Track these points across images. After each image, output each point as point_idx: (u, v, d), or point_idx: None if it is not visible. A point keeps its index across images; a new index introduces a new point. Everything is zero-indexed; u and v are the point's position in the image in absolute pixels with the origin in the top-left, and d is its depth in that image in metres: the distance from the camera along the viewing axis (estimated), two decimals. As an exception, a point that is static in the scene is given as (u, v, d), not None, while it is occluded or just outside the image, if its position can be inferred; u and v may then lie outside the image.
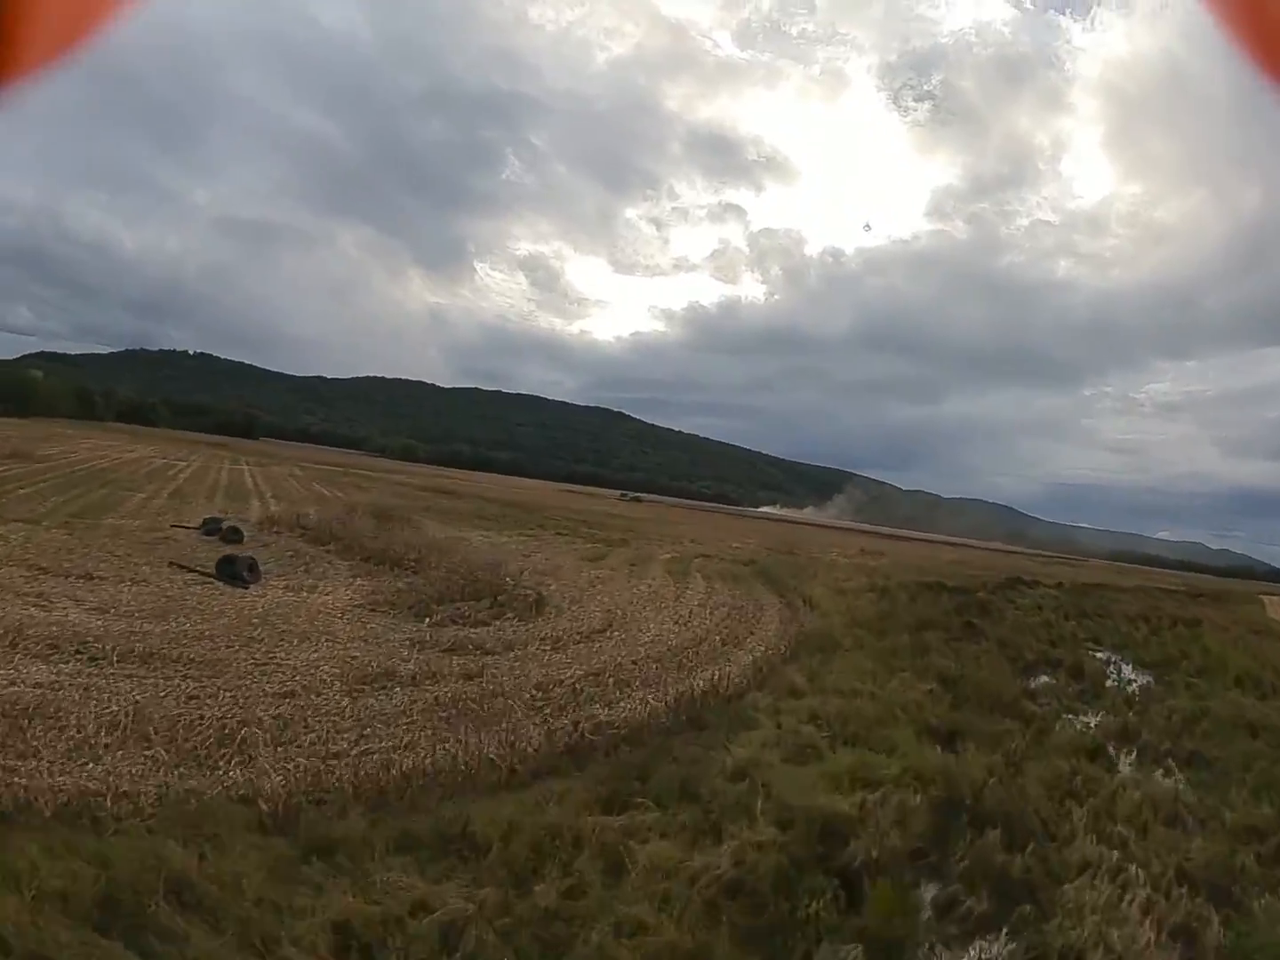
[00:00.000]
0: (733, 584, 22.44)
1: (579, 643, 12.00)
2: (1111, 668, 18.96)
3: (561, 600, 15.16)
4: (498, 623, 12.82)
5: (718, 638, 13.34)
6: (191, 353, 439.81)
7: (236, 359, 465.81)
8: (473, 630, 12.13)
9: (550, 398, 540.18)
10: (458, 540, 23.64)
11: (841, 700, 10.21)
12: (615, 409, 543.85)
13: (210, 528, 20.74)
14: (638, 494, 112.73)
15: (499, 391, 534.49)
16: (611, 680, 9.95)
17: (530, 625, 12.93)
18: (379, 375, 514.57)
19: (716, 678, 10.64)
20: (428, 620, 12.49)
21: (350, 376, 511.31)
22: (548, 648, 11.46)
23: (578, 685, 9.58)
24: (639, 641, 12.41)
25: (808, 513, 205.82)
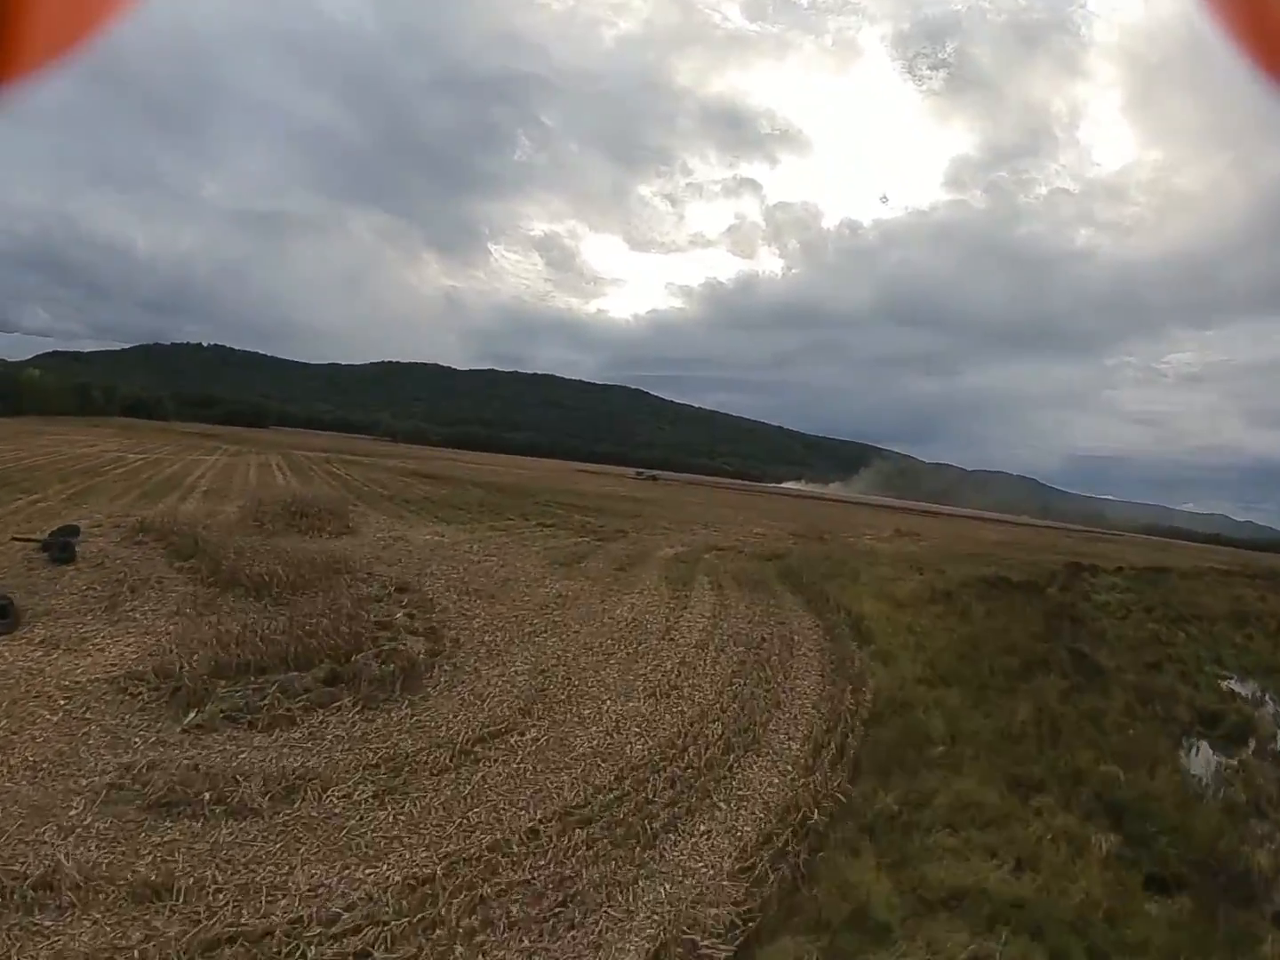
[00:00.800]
0: (752, 594, 16.72)
1: (437, 773, 6.37)
2: (1267, 711, 14.01)
3: (472, 651, 9.59)
4: (321, 714, 7.26)
5: (718, 730, 7.62)
6: (206, 345, 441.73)
7: (252, 350, 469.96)
8: (245, 743, 6.55)
9: (568, 377, 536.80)
10: (392, 542, 18.14)
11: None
12: (634, 387, 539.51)
13: (58, 539, 15.49)
14: (654, 472, 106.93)
15: (516, 372, 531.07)
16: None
17: (375, 718, 7.35)
18: (394, 360, 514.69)
19: (693, 885, 4.94)
20: (193, 714, 6.95)
21: (365, 363, 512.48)
22: (340, 803, 5.78)
23: None
24: (562, 760, 6.78)
25: (834, 488, 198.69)
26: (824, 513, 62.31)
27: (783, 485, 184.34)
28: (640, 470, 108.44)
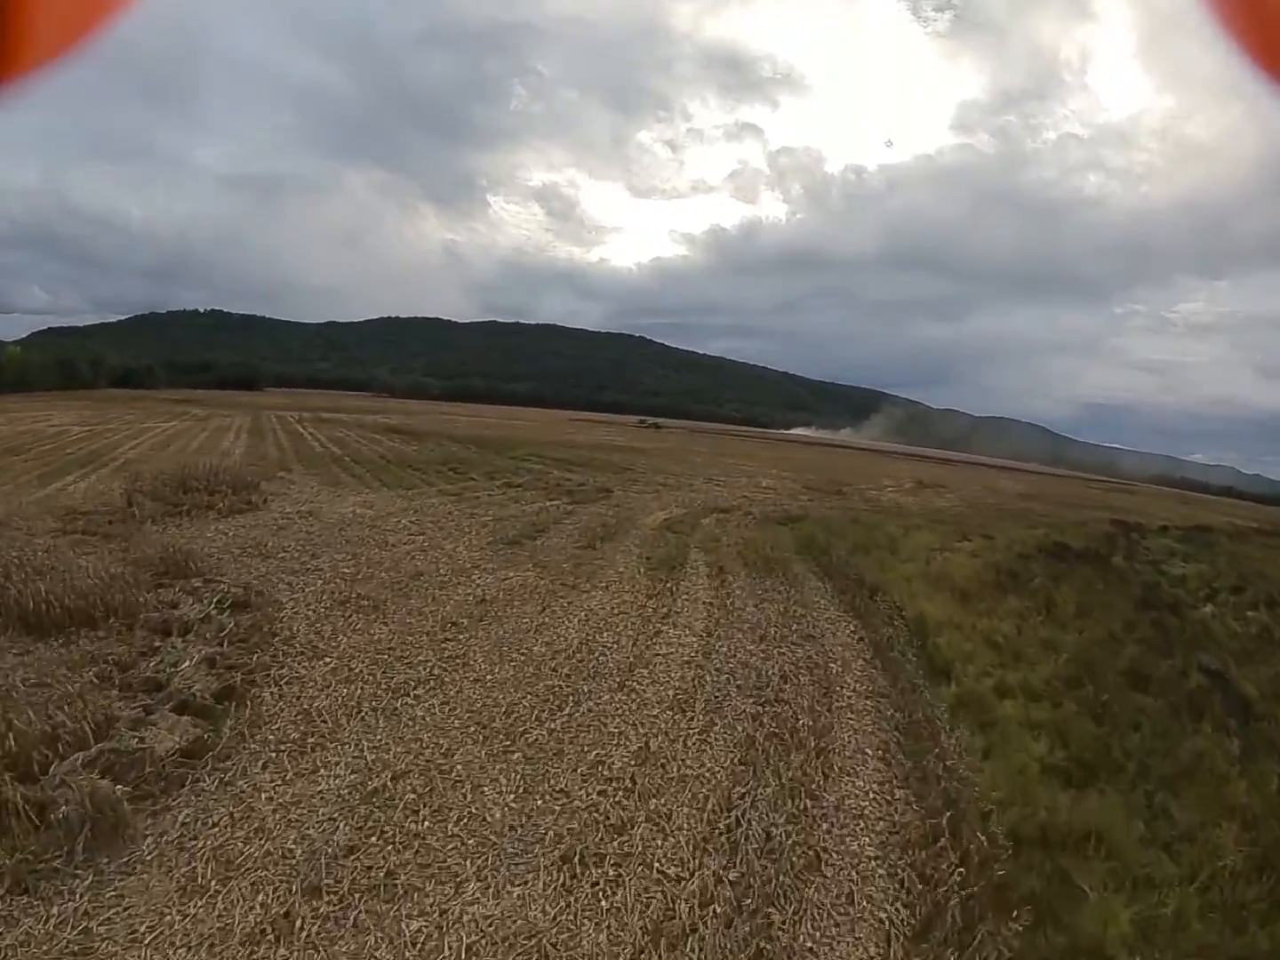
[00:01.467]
0: (763, 578, 12.48)
1: None
2: None
3: (272, 742, 5.41)
4: None
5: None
6: (203, 311, 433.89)
7: (250, 312, 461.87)
8: None
9: (570, 326, 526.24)
10: (296, 519, 13.92)
11: None
12: (637, 335, 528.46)
13: None
14: (657, 420, 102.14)
15: (517, 323, 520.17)
16: None
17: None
18: (394, 315, 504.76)
19: None
20: None
21: (364, 319, 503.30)
22: None
23: None
24: None
25: (845, 434, 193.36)
26: (837, 461, 57.83)
27: (792, 431, 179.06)
28: (643, 419, 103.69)
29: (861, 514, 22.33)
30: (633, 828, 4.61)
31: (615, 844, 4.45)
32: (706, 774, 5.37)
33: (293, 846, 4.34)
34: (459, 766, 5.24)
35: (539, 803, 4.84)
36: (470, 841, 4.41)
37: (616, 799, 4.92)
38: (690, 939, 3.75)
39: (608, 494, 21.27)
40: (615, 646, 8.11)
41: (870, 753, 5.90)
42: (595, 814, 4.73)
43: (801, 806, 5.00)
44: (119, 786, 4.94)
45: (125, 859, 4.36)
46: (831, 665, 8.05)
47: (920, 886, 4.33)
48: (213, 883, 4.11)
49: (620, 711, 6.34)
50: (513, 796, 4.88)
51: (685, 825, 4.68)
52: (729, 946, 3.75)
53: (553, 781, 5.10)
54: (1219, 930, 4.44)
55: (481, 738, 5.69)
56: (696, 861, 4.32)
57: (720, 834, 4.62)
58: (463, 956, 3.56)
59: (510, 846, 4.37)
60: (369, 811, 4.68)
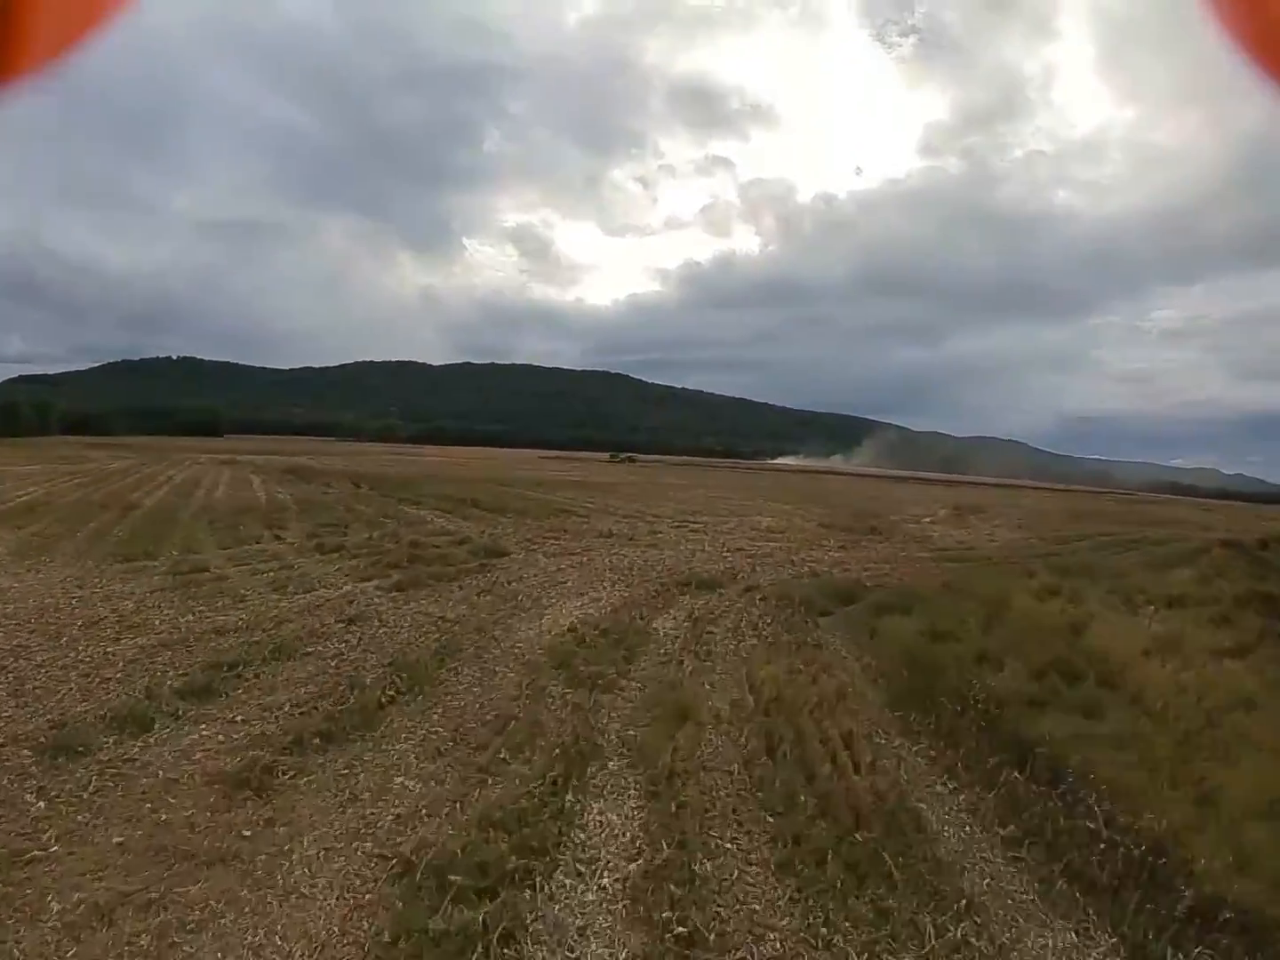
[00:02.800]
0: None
1: None
2: None
3: None
4: None
5: None
6: (175, 358, 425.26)
7: (224, 359, 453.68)
8: None
9: (546, 366, 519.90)
10: None
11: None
12: (614, 371, 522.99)
13: None
14: (631, 453, 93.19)
15: (492, 364, 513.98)
16: None
17: None
18: (368, 360, 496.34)
19: None
20: None
21: (338, 364, 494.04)
22: None
23: None
24: None
25: (835, 462, 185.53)
26: (842, 490, 48.71)
27: (778, 461, 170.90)
28: (615, 453, 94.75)
29: (946, 569, 13.11)
30: None
31: None
32: None
33: None
34: None
35: None
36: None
37: None
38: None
39: (496, 558, 11.85)
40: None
41: None
42: None
43: None
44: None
45: None
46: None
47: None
48: None
49: None
50: None
51: None
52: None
53: None
54: None
55: None
56: None
57: None
58: None
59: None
60: None
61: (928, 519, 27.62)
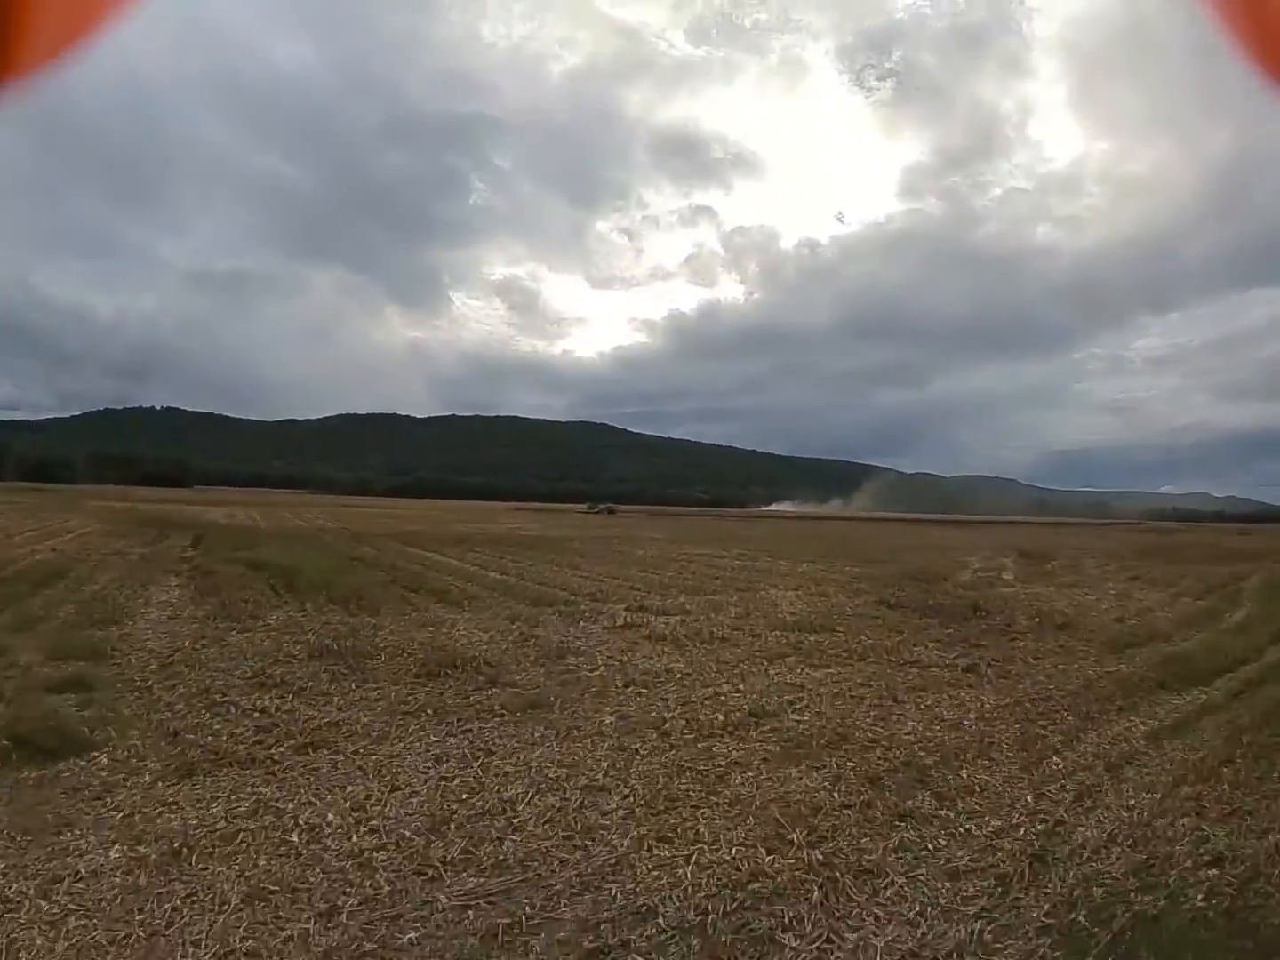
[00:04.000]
0: None
1: None
2: None
3: None
4: None
5: None
6: (159, 408, 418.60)
7: (207, 410, 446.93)
8: None
9: (531, 417, 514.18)
10: None
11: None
12: (598, 421, 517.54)
13: None
14: (610, 504, 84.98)
15: (476, 416, 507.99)
16: None
17: None
18: (351, 412, 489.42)
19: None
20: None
21: (320, 417, 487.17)
22: None
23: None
24: None
25: (835, 506, 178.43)
26: (858, 537, 40.38)
27: (772, 508, 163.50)
28: (593, 503, 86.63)
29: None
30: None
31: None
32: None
33: None
34: None
35: None
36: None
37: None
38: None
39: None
40: None
41: None
42: None
43: None
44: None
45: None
46: None
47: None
48: None
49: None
50: None
51: None
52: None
53: None
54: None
55: None
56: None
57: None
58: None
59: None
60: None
61: (990, 571, 19.49)
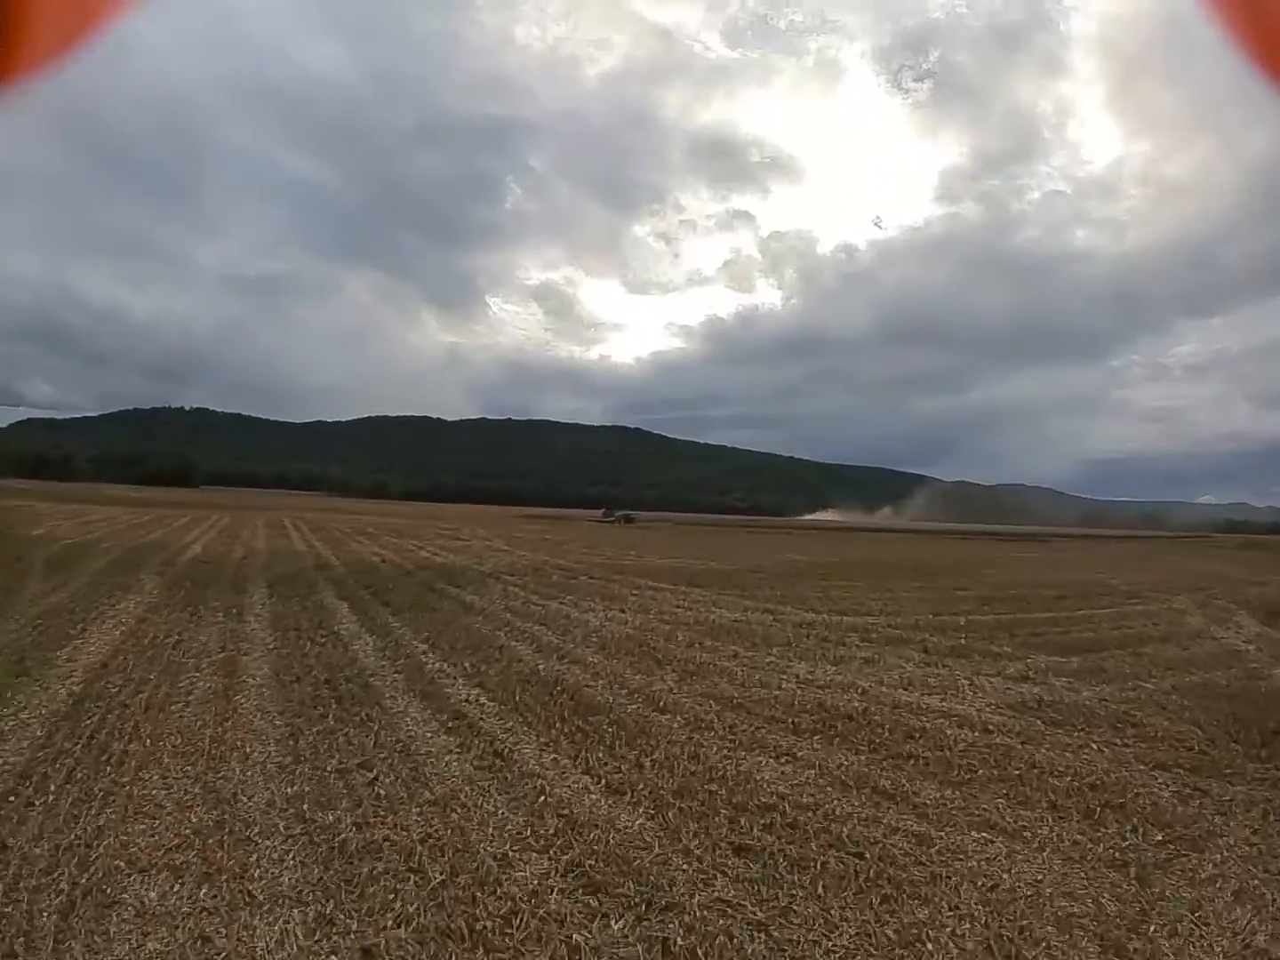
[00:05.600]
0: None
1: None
2: None
3: None
4: None
5: None
6: (188, 408, 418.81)
7: (239, 411, 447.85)
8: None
9: (565, 422, 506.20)
10: None
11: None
12: (632, 426, 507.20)
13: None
14: (628, 511, 75.02)
15: (509, 419, 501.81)
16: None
17: None
18: (380, 415, 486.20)
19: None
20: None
21: (350, 419, 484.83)
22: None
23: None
24: None
25: (885, 516, 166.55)
26: (966, 557, 29.59)
27: (815, 517, 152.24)
28: (609, 510, 76.85)
29: None
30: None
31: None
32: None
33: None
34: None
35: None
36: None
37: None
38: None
39: None
40: None
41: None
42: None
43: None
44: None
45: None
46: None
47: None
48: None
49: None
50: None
51: None
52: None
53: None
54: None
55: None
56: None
57: None
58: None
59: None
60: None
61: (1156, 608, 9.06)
